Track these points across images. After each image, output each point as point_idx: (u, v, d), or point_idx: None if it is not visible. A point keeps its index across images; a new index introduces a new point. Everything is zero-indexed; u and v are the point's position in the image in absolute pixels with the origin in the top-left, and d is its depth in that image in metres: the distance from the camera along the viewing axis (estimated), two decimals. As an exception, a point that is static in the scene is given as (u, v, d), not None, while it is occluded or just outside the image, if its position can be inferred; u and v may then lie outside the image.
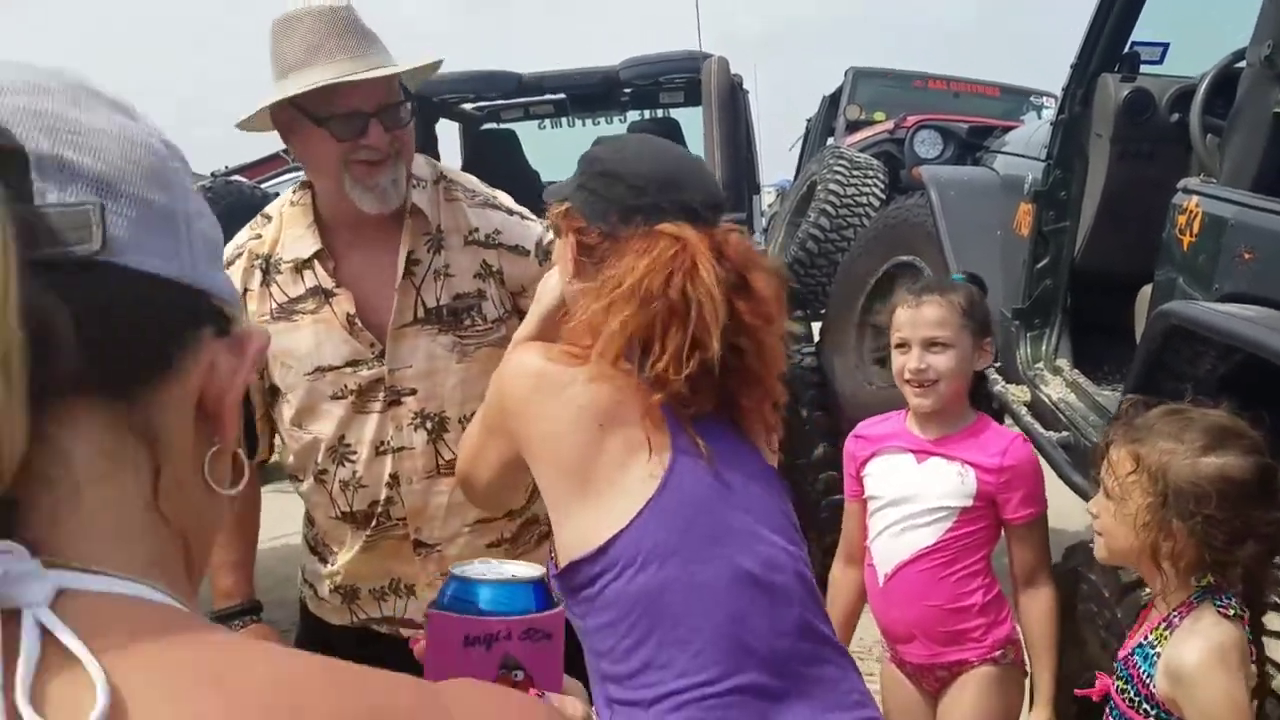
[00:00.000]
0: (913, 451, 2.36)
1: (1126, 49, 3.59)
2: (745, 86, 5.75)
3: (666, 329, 1.46)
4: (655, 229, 1.51)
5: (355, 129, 1.91)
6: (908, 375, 2.32)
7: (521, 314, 2.02)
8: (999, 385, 3.89)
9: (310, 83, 1.87)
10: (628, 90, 5.63)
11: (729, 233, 1.57)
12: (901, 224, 5.08)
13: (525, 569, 0.90)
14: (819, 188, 6.72)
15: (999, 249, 4.25)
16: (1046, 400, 3.61)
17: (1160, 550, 1.73)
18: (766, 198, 13.46)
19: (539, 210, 5.61)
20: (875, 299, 5.09)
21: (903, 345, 2.34)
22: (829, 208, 6.55)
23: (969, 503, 2.28)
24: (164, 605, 0.56)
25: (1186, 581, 1.75)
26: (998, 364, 4.06)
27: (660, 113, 6.03)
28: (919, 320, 2.33)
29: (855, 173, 6.70)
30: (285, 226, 2.09)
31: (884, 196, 6.53)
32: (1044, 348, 3.83)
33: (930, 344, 2.30)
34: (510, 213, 2.13)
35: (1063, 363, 3.77)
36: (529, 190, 5.58)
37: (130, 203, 0.58)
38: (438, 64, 2.14)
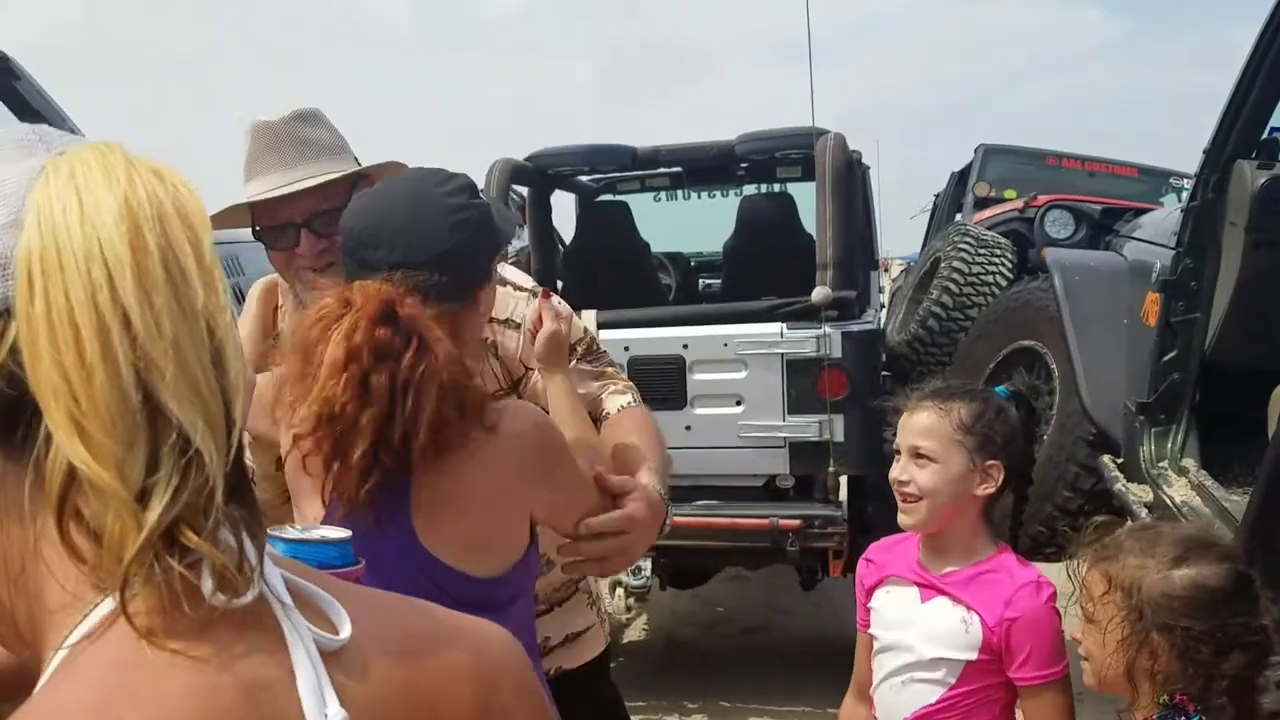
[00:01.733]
0: (918, 585, 2.08)
1: (1264, 135, 3.40)
2: (865, 162, 5.65)
3: (304, 383, 1.47)
4: (350, 285, 1.52)
5: (288, 240, 1.93)
6: (894, 484, 2.10)
7: (518, 387, 2.01)
8: (1119, 484, 3.69)
9: (232, 203, 1.94)
10: (744, 164, 5.58)
11: (404, 297, 1.48)
12: (1024, 307, 4.91)
13: (335, 531, 1.12)
14: (943, 264, 6.57)
15: (1125, 338, 4.06)
16: (1169, 502, 3.39)
17: (1138, 668, 1.67)
18: (895, 268, 13.23)
19: (642, 280, 5.52)
20: (994, 383, 4.91)
21: (898, 451, 2.12)
22: (952, 285, 6.40)
23: (974, 655, 1.98)
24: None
25: (1155, 699, 1.67)
26: (1120, 460, 3.86)
27: (777, 187, 5.95)
28: (908, 426, 2.07)
29: (981, 251, 6.53)
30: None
31: (1011, 276, 6.35)
32: (1169, 445, 3.61)
33: (915, 454, 2.04)
34: (503, 282, 2.03)
35: (1189, 462, 3.54)
36: (638, 260, 5.61)
37: None
38: (387, 165, 2.01)
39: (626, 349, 4.41)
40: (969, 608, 1.99)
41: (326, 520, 1.52)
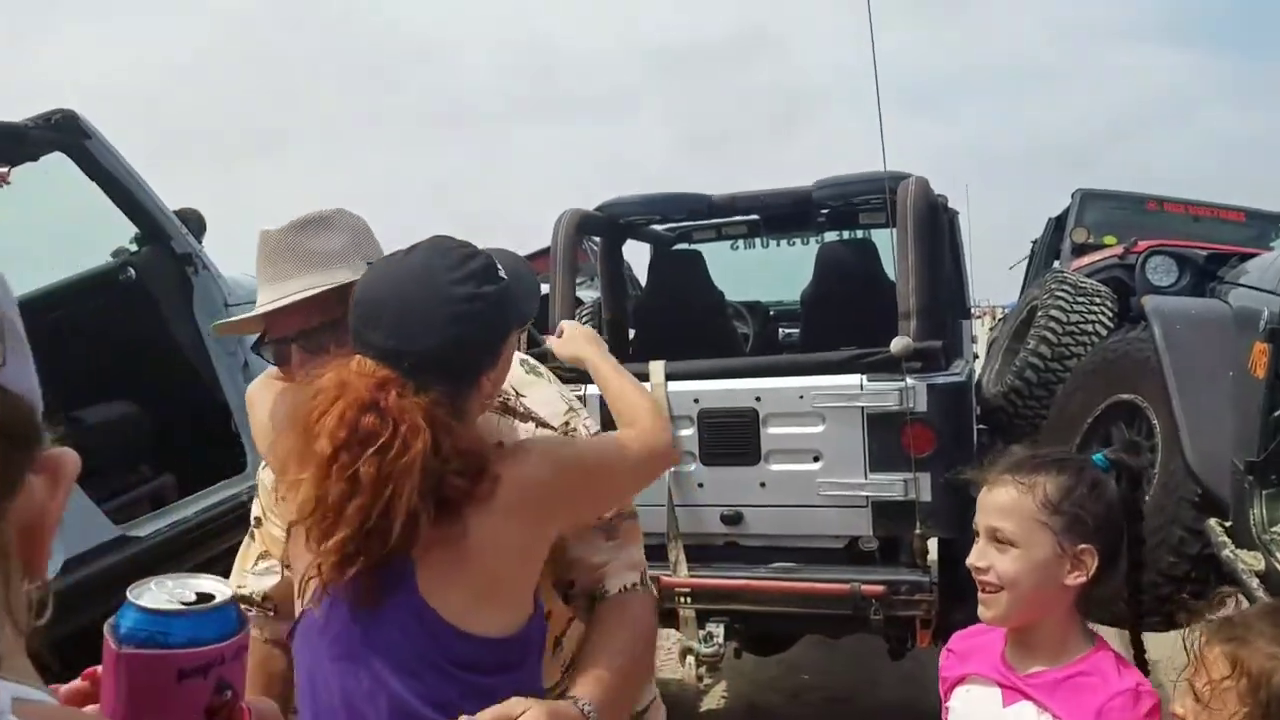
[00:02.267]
0: (1001, 686, 1.84)
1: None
2: (952, 206, 5.44)
3: (301, 461, 1.49)
4: (347, 359, 1.53)
5: (281, 356, 1.87)
6: (972, 571, 1.85)
7: None
8: (1227, 550, 3.38)
9: (229, 318, 1.97)
10: (824, 211, 5.40)
11: (395, 385, 1.49)
12: (1122, 358, 4.61)
13: (213, 585, 0.93)
14: (1039, 313, 6.32)
15: (1231, 391, 3.76)
16: (1285, 571, 3.09)
17: None
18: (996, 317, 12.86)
19: (716, 330, 5.35)
20: (1092, 440, 4.62)
21: (976, 533, 1.85)
22: (1050, 335, 6.13)
23: None
24: (63, 708, 0.68)
25: None
26: (1228, 524, 3.55)
27: (861, 233, 5.75)
28: (986, 504, 1.83)
29: (1080, 299, 6.25)
30: None
31: (1112, 325, 6.06)
32: (1284, 508, 3.30)
33: (994, 537, 1.80)
34: (526, 418, 1.89)
35: (1306, 527, 3.24)
36: (712, 309, 5.44)
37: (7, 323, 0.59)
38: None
39: (696, 401, 4.24)
40: (1055, 716, 1.74)
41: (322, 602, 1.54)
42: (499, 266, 1.61)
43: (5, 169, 3.82)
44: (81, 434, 4.23)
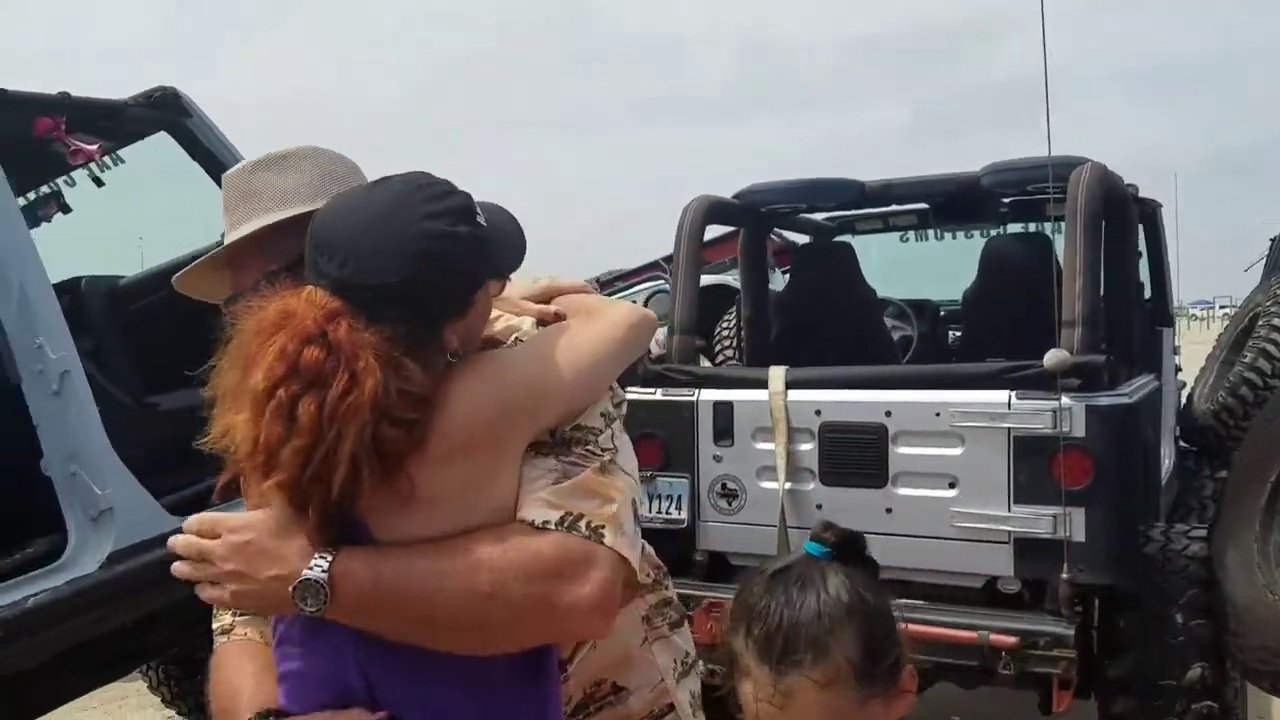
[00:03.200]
0: None
1: None
2: (1145, 197, 4.78)
3: (236, 398, 1.36)
4: (296, 289, 1.40)
5: None
6: None
7: None
8: None
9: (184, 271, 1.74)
10: (1005, 200, 4.85)
11: (346, 317, 1.35)
12: (1331, 382, 3.91)
13: None
14: (1261, 322, 5.59)
15: None
16: None
17: None
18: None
19: (866, 331, 4.85)
20: (1286, 484, 3.92)
21: None
22: (1272, 347, 5.42)
23: None
24: None
25: None
26: None
27: (1044, 225, 5.16)
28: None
29: (1310, 308, 5.48)
30: None
31: (1347, 341, 5.28)
32: None
33: None
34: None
35: None
36: (861, 307, 4.93)
37: None
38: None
39: (818, 413, 3.83)
40: None
41: None
42: (478, 211, 1.47)
43: (95, 145, 3.74)
44: (159, 421, 4.17)
